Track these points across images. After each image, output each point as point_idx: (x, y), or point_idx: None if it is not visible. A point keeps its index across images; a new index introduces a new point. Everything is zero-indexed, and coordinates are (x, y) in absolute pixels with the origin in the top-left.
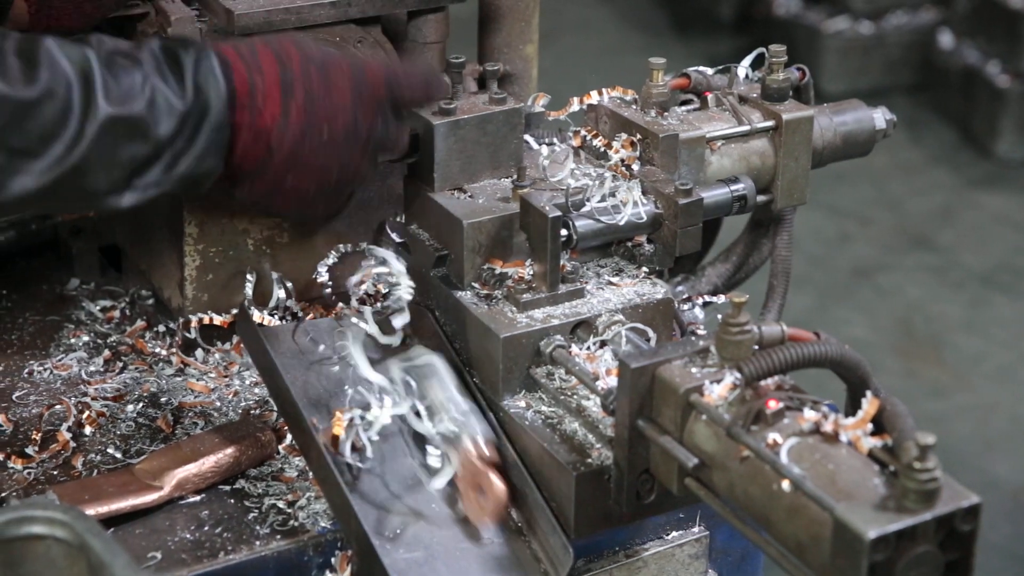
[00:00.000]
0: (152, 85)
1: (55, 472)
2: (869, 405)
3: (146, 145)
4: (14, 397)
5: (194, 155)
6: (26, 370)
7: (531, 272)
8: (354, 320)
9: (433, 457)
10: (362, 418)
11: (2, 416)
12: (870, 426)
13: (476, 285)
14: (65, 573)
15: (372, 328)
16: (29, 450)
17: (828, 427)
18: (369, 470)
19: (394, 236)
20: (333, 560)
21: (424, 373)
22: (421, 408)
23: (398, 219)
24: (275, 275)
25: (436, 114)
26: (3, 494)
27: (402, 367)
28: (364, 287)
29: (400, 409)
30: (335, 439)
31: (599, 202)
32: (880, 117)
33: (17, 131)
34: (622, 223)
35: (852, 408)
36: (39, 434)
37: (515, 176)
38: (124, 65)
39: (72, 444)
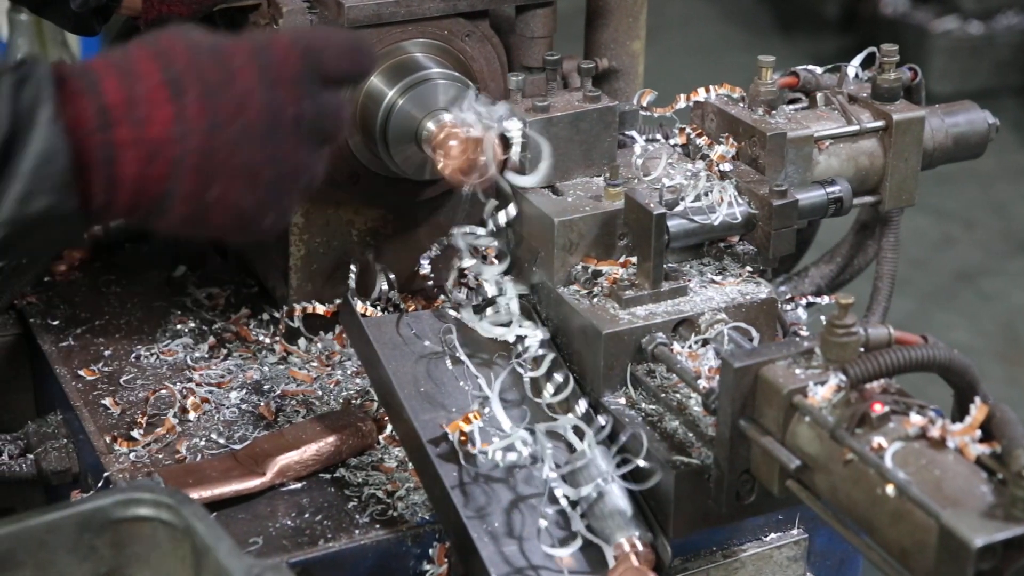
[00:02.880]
0: None
1: (160, 456)
2: (978, 411)
3: None
4: (122, 381)
5: (13, 198)
6: (133, 355)
7: (627, 271)
8: (456, 315)
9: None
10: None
11: (110, 399)
12: (978, 432)
13: (568, 284)
14: (169, 556)
15: (482, 327)
16: (135, 433)
17: (935, 432)
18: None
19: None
20: (431, 551)
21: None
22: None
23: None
24: (378, 266)
25: (530, 111)
26: (107, 474)
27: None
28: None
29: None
30: (461, 437)
31: (693, 201)
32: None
33: None
34: (716, 223)
35: (959, 414)
36: (145, 418)
37: (607, 175)
38: None
39: (178, 429)
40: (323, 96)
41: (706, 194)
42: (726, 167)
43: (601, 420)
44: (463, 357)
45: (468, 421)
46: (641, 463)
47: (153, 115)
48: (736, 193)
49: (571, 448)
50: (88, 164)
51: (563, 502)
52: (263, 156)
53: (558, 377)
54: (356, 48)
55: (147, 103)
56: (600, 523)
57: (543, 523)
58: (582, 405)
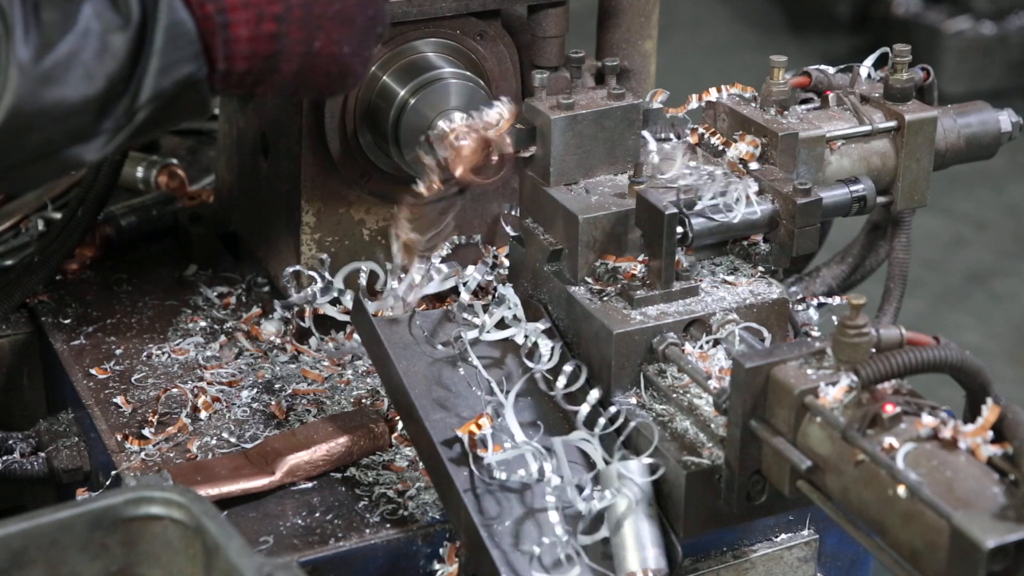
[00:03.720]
0: (84, 14)
1: (171, 455)
2: (990, 412)
3: (90, 85)
4: (133, 380)
5: (152, 74)
6: (145, 353)
7: (642, 269)
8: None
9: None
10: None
11: (121, 398)
12: (990, 434)
13: (589, 280)
14: (181, 554)
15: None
16: (146, 432)
17: (946, 433)
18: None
19: (508, 229)
20: (441, 551)
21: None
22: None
23: (512, 212)
24: (389, 266)
25: (554, 108)
26: (115, 472)
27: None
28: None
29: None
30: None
31: (711, 200)
32: (1006, 119)
33: None
34: (736, 221)
35: (971, 415)
36: (156, 416)
37: (631, 172)
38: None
39: (189, 428)
40: None
41: (724, 192)
42: (754, 166)
43: (613, 409)
44: (475, 362)
45: (480, 426)
46: (647, 460)
47: None
48: (759, 192)
49: (588, 460)
50: (207, 30)
51: (559, 530)
52: (354, 2)
53: (568, 368)
54: None
55: None
56: (617, 548)
57: (536, 549)
58: (594, 395)
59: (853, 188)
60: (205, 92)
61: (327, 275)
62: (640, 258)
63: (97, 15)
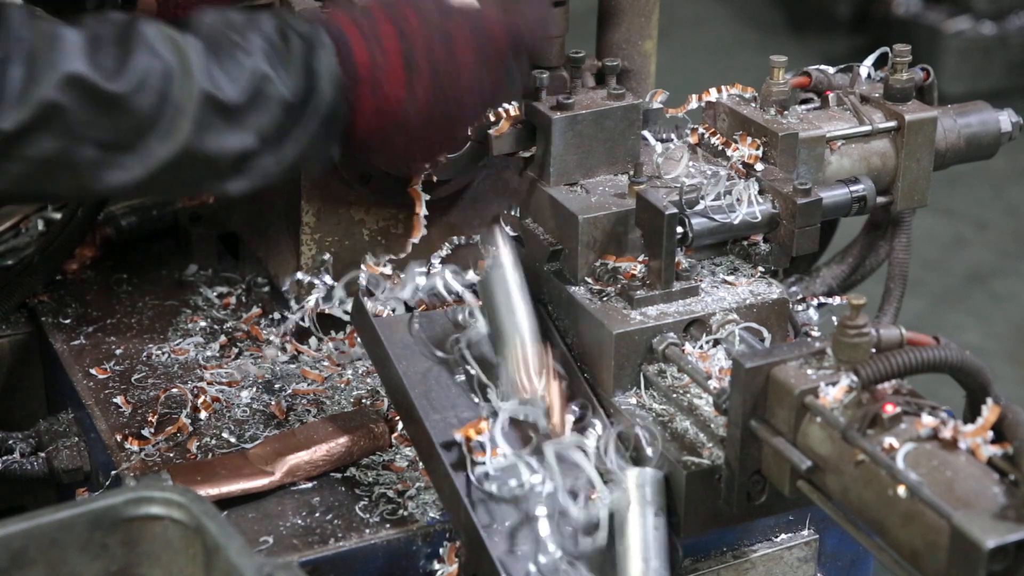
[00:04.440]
0: (259, 72)
1: (171, 455)
2: (990, 412)
3: (248, 135)
4: (133, 380)
5: (305, 143)
6: (145, 353)
7: (642, 269)
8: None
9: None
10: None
11: (121, 398)
12: (990, 434)
13: (589, 280)
14: (181, 554)
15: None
16: (146, 432)
17: (947, 433)
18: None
19: (508, 229)
20: (441, 551)
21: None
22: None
23: (512, 212)
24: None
25: (554, 108)
26: (115, 472)
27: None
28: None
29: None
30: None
31: (713, 200)
32: (1006, 119)
33: (107, 125)
34: (737, 222)
35: (971, 415)
36: (156, 416)
37: (631, 172)
38: (229, 50)
39: (189, 428)
40: (516, 68)
41: (727, 193)
42: (759, 167)
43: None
44: (472, 368)
45: (479, 430)
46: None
47: (389, 83)
48: (759, 192)
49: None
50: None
51: (552, 548)
52: (461, 125)
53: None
54: (546, 20)
55: (386, 72)
56: (620, 557)
57: (533, 569)
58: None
59: (853, 188)
60: (328, 162)
61: (328, 280)
62: (640, 258)
63: (271, 79)
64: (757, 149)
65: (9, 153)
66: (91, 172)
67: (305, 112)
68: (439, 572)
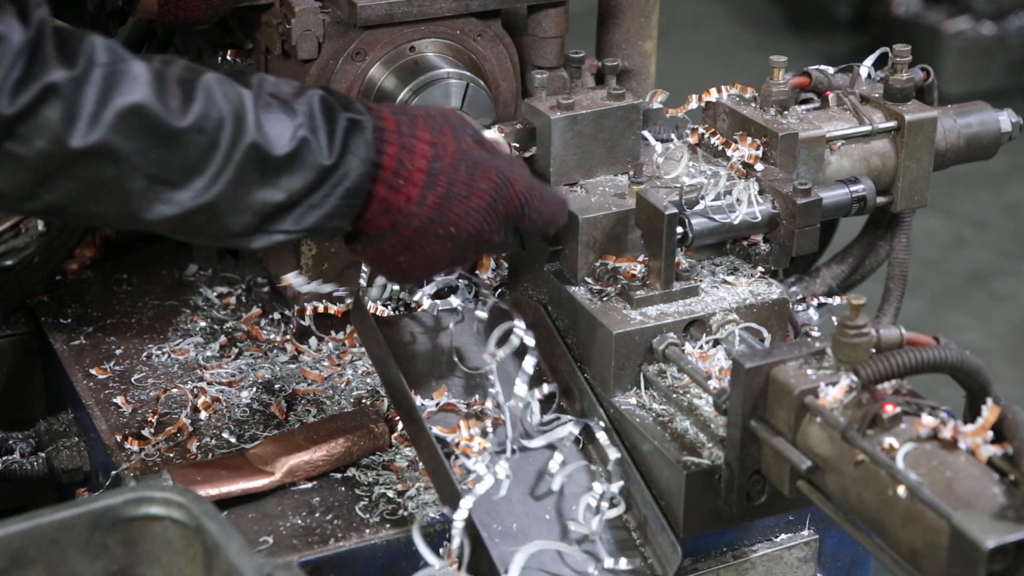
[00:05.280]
0: (301, 136)
1: (171, 455)
2: (990, 412)
3: (280, 192)
4: (133, 380)
5: (325, 212)
6: (144, 353)
7: (642, 269)
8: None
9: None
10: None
11: (121, 398)
12: (990, 434)
13: (589, 280)
14: (180, 554)
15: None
16: (146, 432)
17: (946, 433)
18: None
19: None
20: (441, 551)
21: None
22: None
23: None
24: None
25: (554, 108)
26: (115, 472)
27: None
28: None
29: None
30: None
31: (713, 200)
32: (1006, 119)
33: (161, 160)
34: (736, 222)
35: (971, 415)
36: (156, 416)
37: (631, 172)
38: (277, 110)
39: (189, 428)
40: (512, 233)
41: (727, 193)
42: (759, 167)
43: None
44: (468, 369)
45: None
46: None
47: (405, 188)
48: (759, 192)
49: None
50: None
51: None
52: (450, 256)
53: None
54: (558, 212)
55: (406, 179)
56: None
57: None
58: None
59: (853, 188)
60: (344, 231)
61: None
62: (640, 258)
63: (310, 143)
64: (757, 149)
65: (69, 171)
66: (137, 202)
67: (333, 183)
68: (439, 572)
